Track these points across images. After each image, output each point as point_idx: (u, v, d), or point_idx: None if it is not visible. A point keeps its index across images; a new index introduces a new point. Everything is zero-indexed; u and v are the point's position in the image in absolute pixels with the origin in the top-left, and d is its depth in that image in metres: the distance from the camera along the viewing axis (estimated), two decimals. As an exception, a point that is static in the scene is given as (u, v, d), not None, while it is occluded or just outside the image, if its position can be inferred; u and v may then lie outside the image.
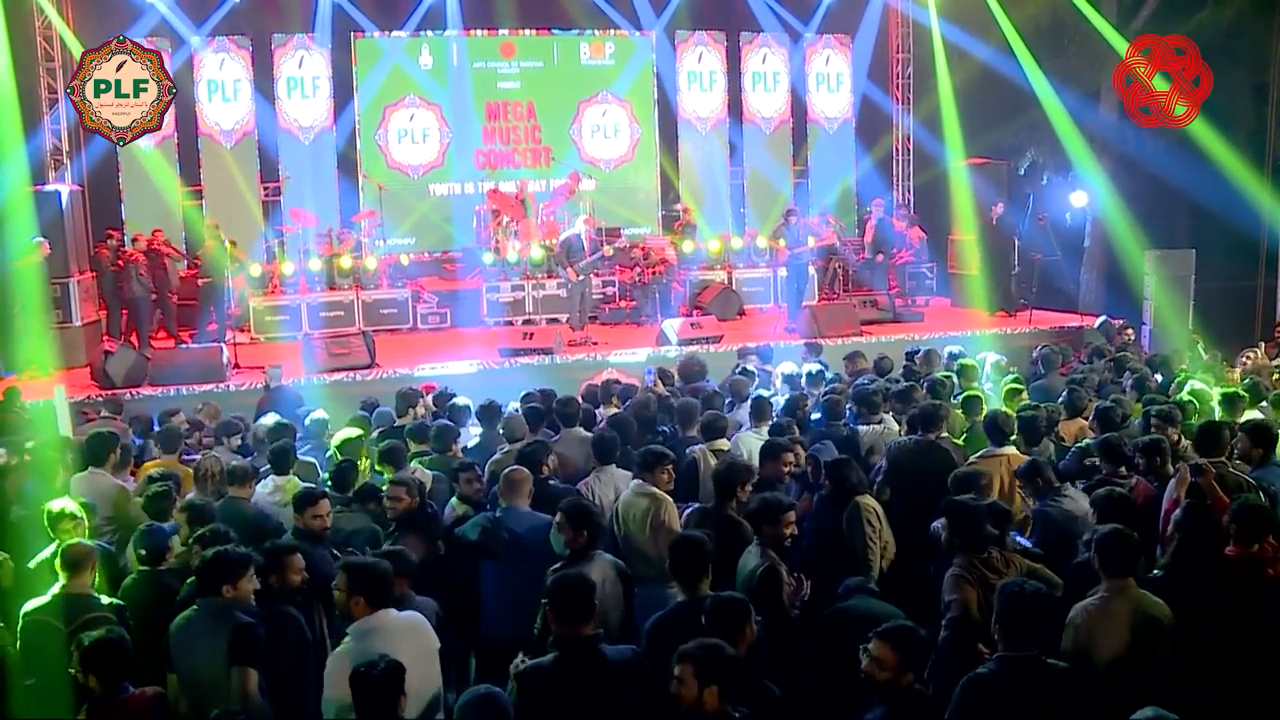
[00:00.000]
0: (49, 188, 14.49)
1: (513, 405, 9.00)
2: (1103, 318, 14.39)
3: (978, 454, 7.08)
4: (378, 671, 4.07)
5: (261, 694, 4.67)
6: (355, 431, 8.00)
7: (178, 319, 15.09)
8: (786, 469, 6.78)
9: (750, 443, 7.69)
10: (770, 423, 7.95)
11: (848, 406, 8.26)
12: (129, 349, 13.01)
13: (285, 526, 6.38)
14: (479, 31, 18.13)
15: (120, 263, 14.94)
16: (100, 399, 11.53)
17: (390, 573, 4.85)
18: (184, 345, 14.19)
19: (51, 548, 5.79)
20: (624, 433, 7.45)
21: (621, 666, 4.41)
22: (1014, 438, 7.12)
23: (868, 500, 6.24)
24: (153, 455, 8.43)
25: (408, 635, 4.66)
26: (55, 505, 5.97)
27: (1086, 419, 8.08)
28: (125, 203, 16.86)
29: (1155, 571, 5.16)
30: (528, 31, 18.43)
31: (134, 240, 15.35)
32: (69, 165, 15.98)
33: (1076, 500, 6.21)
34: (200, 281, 14.72)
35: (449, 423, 8.16)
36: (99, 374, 12.38)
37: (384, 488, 6.51)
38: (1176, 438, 7.19)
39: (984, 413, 7.83)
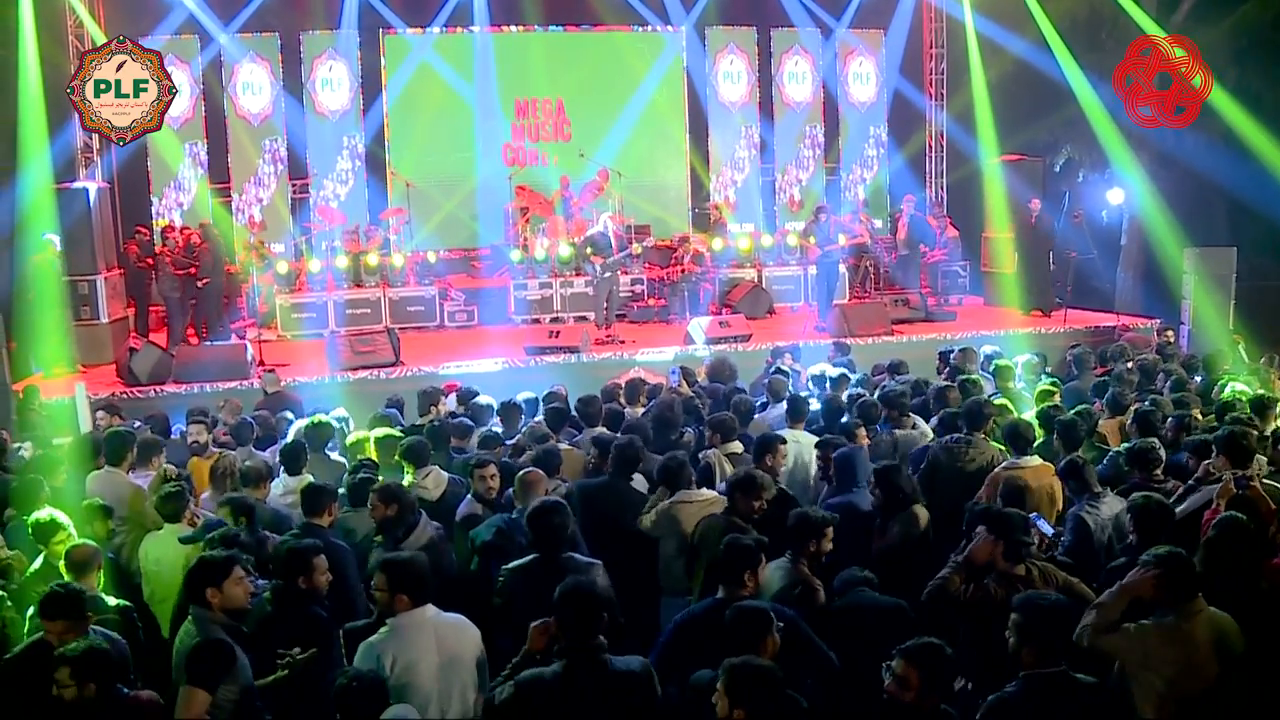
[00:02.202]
0: (77, 185, 14.50)
1: (522, 396, 8.94)
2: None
3: (1000, 466, 6.80)
4: (360, 686, 4.00)
5: (245, 710, 4.49)
6: (394, 431, 7.85)
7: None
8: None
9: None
10: (804, 424, 7.81)
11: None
12: (153, 346, 12.99)
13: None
14: (507, 28, 18.03)
15: (148, 260, 14.96)
16: (112, 396, 11.50)
17: (428, 567, 4.77)
18: (207, 342, 14.16)
19: (40, 559, 5.72)
20: (642, 438, 7.26)
21: (628, 678, 4.27)
22: (1054, 443, 6.92)
23: (922, 510, 6.07)
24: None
25: (447, 635, 4.58)
26: (42, 515, 5.86)
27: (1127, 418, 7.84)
28: (154, 200, 16.91)
29: None
30: (556, 28, 18.31)
31: (165, 235, 15.38)
32: (98, 163, 16.02)
33: (1114, 507, 6.00)
34: (200, 283, 14.51)
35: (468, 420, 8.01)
36: (124, 371, 12.39)
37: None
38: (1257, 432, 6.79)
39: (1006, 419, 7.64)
